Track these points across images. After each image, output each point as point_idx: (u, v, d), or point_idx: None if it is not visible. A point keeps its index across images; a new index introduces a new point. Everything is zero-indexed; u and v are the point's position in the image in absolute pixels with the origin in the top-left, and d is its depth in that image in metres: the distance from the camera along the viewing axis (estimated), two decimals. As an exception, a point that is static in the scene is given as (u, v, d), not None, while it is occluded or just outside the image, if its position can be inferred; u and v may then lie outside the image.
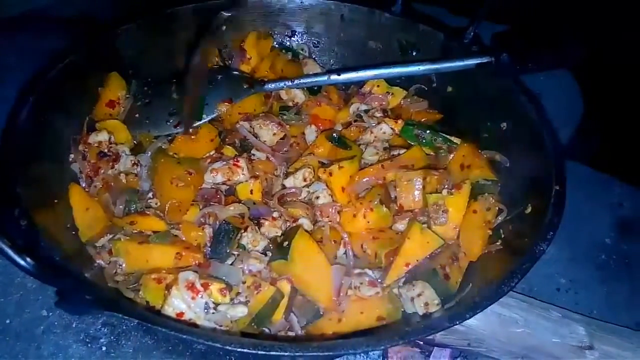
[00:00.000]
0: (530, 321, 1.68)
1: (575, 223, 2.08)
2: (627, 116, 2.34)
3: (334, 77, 1.69)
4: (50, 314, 1.46)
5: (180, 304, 1.18)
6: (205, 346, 1.40)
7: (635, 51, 2.06)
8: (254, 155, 1.66)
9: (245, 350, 0.98)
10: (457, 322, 1.11)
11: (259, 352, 0.97)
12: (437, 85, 1.86)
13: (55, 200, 1.39)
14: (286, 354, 0.99)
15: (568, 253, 2.05)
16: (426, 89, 1.89)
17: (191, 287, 1.19)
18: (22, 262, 0.93)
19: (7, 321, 1.45)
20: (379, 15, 1.90)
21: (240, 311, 1.23)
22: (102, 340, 1.42)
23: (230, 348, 0.97)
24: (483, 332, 1.67)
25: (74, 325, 1.44)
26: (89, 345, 1.41)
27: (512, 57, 1.58)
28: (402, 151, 1.65)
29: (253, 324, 1.27)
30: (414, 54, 1.89)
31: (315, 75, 1.80)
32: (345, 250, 1.49)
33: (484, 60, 1.60)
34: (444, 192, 1.51)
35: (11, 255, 0.92)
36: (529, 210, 1.41)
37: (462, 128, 1.74)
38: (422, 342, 1.73)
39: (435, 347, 1.78)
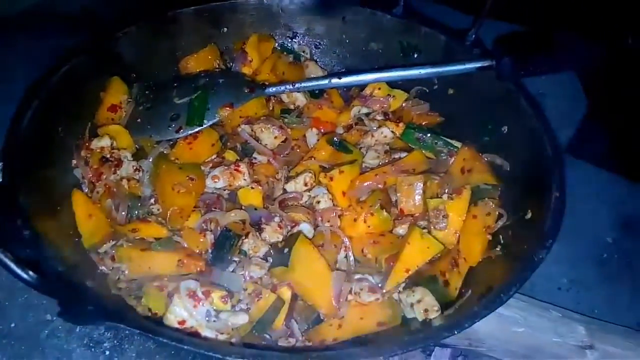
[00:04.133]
0: (530, 321, 1.69)
1: (578, 221, 2.07)
2: (630, 114, 2.33)
3: (335, 80, 1.69)
4: (54, 318, 1.48)
5: (182, 312, 1.20)
6: (207, 351, 1.42)
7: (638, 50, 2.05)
8: (255, 158, 1.67)
9: (244, 361, 0.99)
10: (456, 332, 1.12)
11: (258, 363, 0.99)
12: (438, 87, 1.86)
13: (58, 207, 1.40)
14: (286, 364, 1.01)
15: (570, 252, 2.05)
16: (427, 91, 1.89)
17: (193, 295, 1.21)
18: (25, 276, 0.95)
19: (12, 325, 1.46)
20: (381, 17, 1.89)
21: (242, 318, 1.24)
22: (105, 345, 1.44)
23: (230, 359, 0.99)
24: (484, 332, 1.68)
25: (77, 330, 1.46)
26: (93, 349, 1.43)
27: (514, 60, 1.57)
28: (403, 154, 1.66)
29: (254, 331, 1.28)
30: (416, 55, 1.89)
31: (317, 78, 1.80)
32: (346, 255, 1.50)
33: (486, 63, 1.59)
34: (445, 196, 1.52)
35: (14, 270, 0.94)
36: (528, 216, 1.41)
37: (464, 131, 1.74)
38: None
39: (436, 347, 1.80)
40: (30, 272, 0.94)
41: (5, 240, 0.97)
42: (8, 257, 0.93)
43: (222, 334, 1.22)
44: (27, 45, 2.28)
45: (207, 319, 1.21)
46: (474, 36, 1.75)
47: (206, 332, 1.20)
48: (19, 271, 0.93)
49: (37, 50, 2.17)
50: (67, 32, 2.23)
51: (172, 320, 1.20)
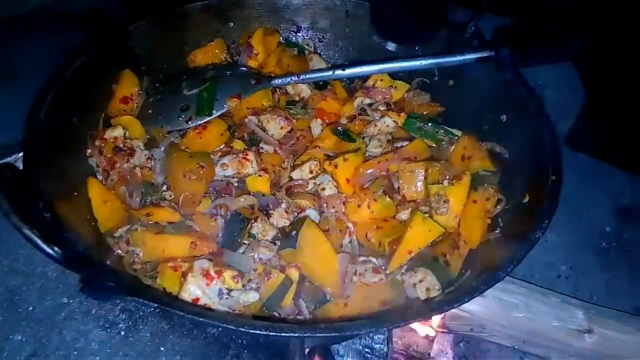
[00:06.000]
0: (530, 306, 1.74)
1: (576, 211, 2.13)
2: (628, 107, 2.36)
3: (338, 72, 1.73)
4: (71, 301, 1.51)
5: (195, 290, 1.25)
6: (218, 330, 1.47)
7: (636, 42, 2.08)
8: (262, 148, 1.71)
9: (257, 332, 1.04)
10: (456, 306, 1.17)
11: (271, 334, 1.04)
12: (439, 78, 1.90)
13: (75, 193, 1.46)
14: (295, 335, 1.06)
15: (569, 241, 2.10)
16: (428, 82, 1.93)
17: (206, 274, 1.26)
18: (50, 251, 1.00)
19: (30, 308, 1.50)
20: (382, 11, 1.94)
21: (252, 296, 1.30)
22: (120, 326, 1.47)
23: (243, 330, 1.04)
24: (485, 318, 1.73)
25: (93, 312, 1.49)
26: (109, 330, 1.47)
27: (513, 51, 1.62)
28: (405, 143, 1.70)
29: (264, 309, 1.33)
30: (417, 48, 1.92)
31: (321, 70, 1.84)
32: (351, 239, 1.54)
33: (485, 54, 1.64)
34: (445, 182, 1.56)
35: (40, 245, 0.99)
36: (526, 199, 1.45)
37: (464, 120, 1.77)
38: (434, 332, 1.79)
39: (439, 333, 1.85)
40: (55, 248, 1.00)
41: (30, 221, 1.02)
42: (35, 234, 0.99)
43: (234, 311, 1.27)
44: (36, 43, 2.32)
45: (219, 296, 1.27)
46: (473, 29, 1.79)
47: (219, 309, 1.26)
48: (45, 247, 0.99)
49: (46, 48, 2.20)
50: (75, 30, 2.27)
51: (186, 298, 1.25)
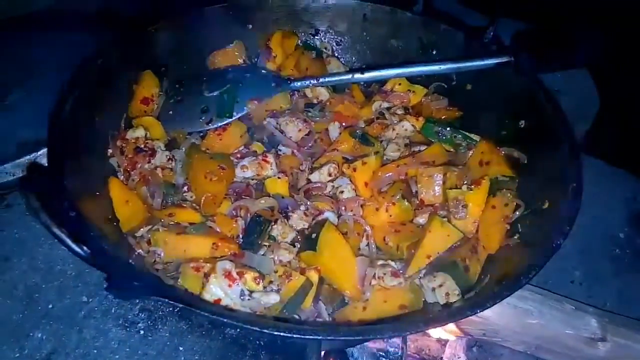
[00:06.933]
0: (544, 313, 1.73)
1: (590, 217, 2.12)
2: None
3: (357, 75, 1.74)
4: (90, 299, 1.53)
5: (217, 291, 1.26)
6: (237, 331, 1.48)
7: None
8: (280, 150, 1.73)
9: (281, 334, 1.05)
10: (478, 311, 1.17)
11: (295, 336, 1.05)
12: (457, 83, 1.91)
13: (97, 193, 1.47)
14: (319, 337, 1.07)
15: (582, 247, 2.09)
16: (446, 86, 1.94)
17: (228, 275, 1.27)
18: (79, 250, 1.02)
19: (50, 306, 1.51)
20: (401, 15, 1.95)
21: (273, 298, 1.30)
22: (139, 325, 1.49)
23: (267, 332, 1.05)
24: (498, 323, 1.73)
25: (113, 311, 1.51)
26: (128, 329, 1.48)
27: (532, 56, 1.62)
28: (422, 148, 1.71)
29: (284, 311, 1.34)
30: (434, 52, 1.93)
31: (339, 73, 1.85)
32: (368, 243, 1.55)
33: (504, 59, 1.65)
34: (464, 187, 1.56)
35: (70, 244, 1.00)
36: (546, 205, 1.45)
37: (482, 125, 1.78)
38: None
39: (451, 337, 1.85)
40: (84, 248, 1.01)
41: (57, 219, 1.03)
42: (64, 234, 1.00)
43: (255, 312, 1.28)
44: (51, 42, 2.33)
45: (241, 298, 1.27)
46: (492, 34, 1.80)
47: (240, 310, 1.26)
48: (74, 246, 1.00)
49: (61, 47, 2.22)
50: (86, 30, 2.28)
51: (208, 298, 1.26)
